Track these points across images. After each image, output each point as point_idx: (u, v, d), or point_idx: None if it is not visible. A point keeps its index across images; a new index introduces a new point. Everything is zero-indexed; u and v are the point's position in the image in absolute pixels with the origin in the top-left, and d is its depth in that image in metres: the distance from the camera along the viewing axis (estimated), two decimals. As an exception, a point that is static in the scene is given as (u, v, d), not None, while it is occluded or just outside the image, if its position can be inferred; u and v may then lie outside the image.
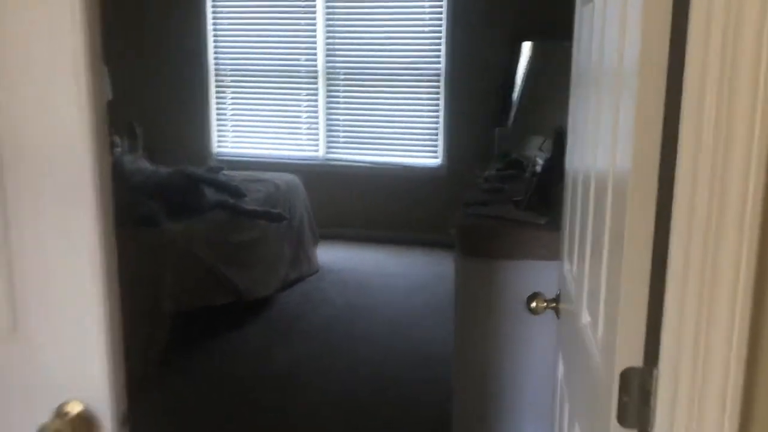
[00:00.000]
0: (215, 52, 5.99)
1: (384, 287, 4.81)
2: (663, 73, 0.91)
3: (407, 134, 5.77)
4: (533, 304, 1.70)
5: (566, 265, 1.66)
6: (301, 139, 5.99)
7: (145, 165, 4.54)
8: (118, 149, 5.41)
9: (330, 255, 5.40)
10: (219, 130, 6.13)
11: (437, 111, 5.64)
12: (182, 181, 3.90)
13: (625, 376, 1.00)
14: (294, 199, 4.86)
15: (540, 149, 3.39)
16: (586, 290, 1.32)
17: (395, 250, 5.63)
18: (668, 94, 0.91)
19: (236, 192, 4.06)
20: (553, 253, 2.37)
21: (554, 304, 1.71)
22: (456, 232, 2.42)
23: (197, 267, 3.59)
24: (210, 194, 3.98)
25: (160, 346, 3.33)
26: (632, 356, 1.00)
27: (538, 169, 3.00)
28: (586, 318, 1.31)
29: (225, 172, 4.90)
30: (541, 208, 2.61)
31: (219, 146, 6.15)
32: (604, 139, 1.17)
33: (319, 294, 4.63)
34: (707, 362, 0.86)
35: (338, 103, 5.84)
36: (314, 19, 5.71)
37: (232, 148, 6.13)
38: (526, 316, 2.38)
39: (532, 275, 2.36)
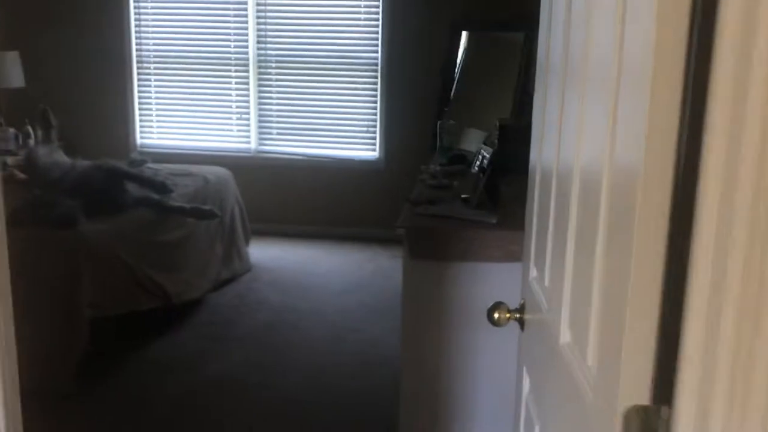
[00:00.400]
0: (137, 37, 5.63)
1: (320, 286, 4.61)
2: (681, 56, 0.76)
3: (344, 126, 5.57)
4: (496, 315, 1.55)
5: (533, 272, 1.52)
6: (231, 131, 5.71)
7: (62, 158, 4.19)
8: (31, 140, 5.02)
9: (263, 252, 5.17)
10: (142, 121, 5.78)
11: (375, 102, 5.46)
12: (103, 177, 3.59)
13: (629, 416, 0.85)
14: (225, 194, 4.60)
15: (484, 143, 3.26)
16: (566, 305, 1.17)
17: (331, 246, 5.44)
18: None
19: (162, 188, 3.78)
20: (506, 255, 2.23)
21: (518, 315, 1.57)
22: (404, 233, 2.25)
23: (120, 270, 3.31)
24: (133, 190, 3.69)
25: (78, 357, 3.05)
26: (638, 392, 0.85)
27: (485, 164, 2.87)
28: (566, 337, 1.16)
29: (149, 165, 4.60)
30: (490, 206, 2.47)
31: (143, 137, 5.80)
32: (594, 133, 1.02)
33: (253, 295, 4.40)
34: (747, 397, 0.71)
35: (270, 93, 5.59)
36: (245, 2, 5.44)
37: (157, 139, 5.80)
38: (478, 320, 2.24)
39: (484, 278, 2.22)
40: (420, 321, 2.29)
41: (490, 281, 2.17)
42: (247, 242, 4.93)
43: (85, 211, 3.36)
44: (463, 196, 2.58)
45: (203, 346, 3.67)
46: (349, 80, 5.48)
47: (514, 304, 1.66)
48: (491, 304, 1.56)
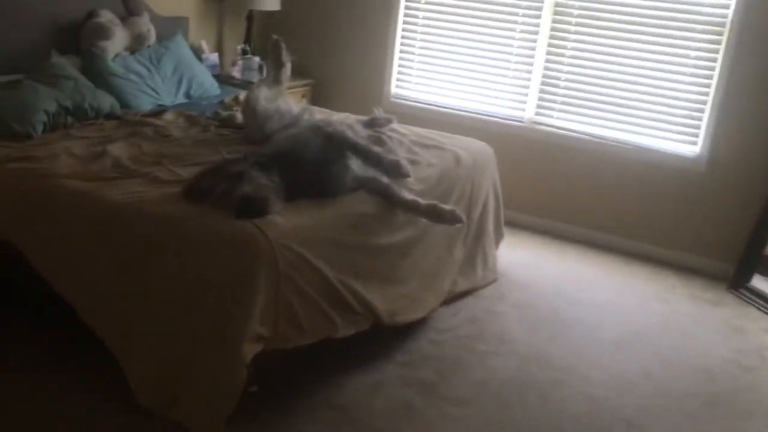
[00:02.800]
0: (408, -39, 4.61)
1: (587, 326, 3.30)
2: None
3: (654, 104, 4.06)
4: None
5: None
6: (504, 92, 4.48)
7: (288, 106, 3.32)
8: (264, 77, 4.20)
9: (515, 255, 3.96)
10: (401, 66, 4.78)
11: (710, 76, 3.87)
12: (319, 145, 2.61)
13: None
14: (480, 179, 3.44)
15: None
16: None
17: (608, 263, 4.06)
18: None
19: (395, 169, 2.71)
20: None
21: None
22: None
23: (314, 284, 2.32)
24: (356, 168, 2.67)
25: (234, 401, 2.13)
26: None
27: None
28: None
29: (394, 126, 3.59)
30: None
31: (398, 86, 4.82)
32: None
33: (493, 324, 3.23)
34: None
35: (564, 49, 4.24)
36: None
37: (413, 90, 4.77)
38: None
39: None
40: None
41: None
42: (497, 243, 3.76)
43: (285, 190, 2.41)
44: None
45: (411, 400, 2.60)
46: (677, 43, 3.92)
47: None
48: None
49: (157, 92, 3.79)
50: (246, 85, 4.49)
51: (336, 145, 2.65)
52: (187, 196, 2.33)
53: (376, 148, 2.71)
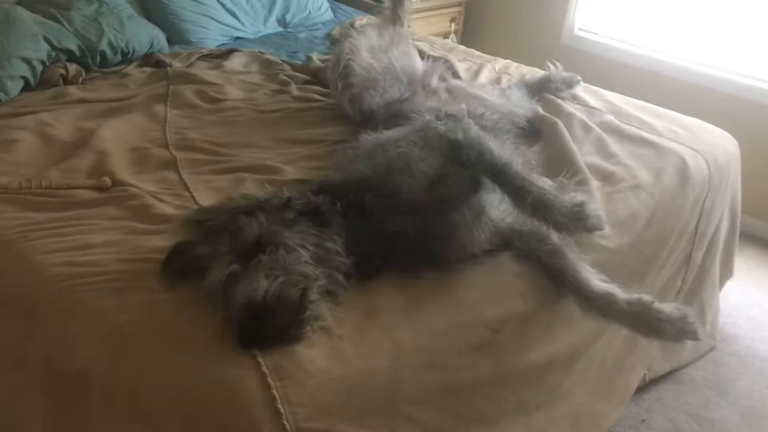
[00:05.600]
0: None
1: None
2: None
3: None
4: None
5: None
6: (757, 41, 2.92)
7: (407, 60, 2.06)
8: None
9: (744, 299, 2.59)
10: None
11: None
12: (433, 167, 1.37)
13: None
14: (714, 200, 2.07)
15: None
16: None
17: None
18: None
19: (577, 222, 1.39)
20: None
21: None
22: None
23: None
24: (497, 210, 1.43)
25: None
26: None
27: None
28: None
29: (577, 92, 2.29)
30: None
31: (587, 15, 3.36)
32: None
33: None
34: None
35: None
36: None
37: (611, 24, 3.30)
38: None
39: None
40: None
41: None
42: (721, 286, 2.39)
43: (354, 264, 1.24)
44: None
45: None
46: None
47: None
48: None
49: (236, 17, 2.67)
50: (372, 7, 3.26)
51: (465, 165, 1.40)
52: (167, 271, 1.23)
53: (542, 182, 1.40)
